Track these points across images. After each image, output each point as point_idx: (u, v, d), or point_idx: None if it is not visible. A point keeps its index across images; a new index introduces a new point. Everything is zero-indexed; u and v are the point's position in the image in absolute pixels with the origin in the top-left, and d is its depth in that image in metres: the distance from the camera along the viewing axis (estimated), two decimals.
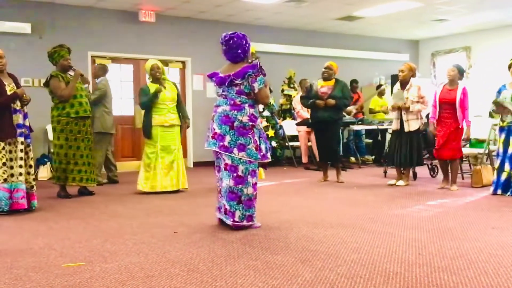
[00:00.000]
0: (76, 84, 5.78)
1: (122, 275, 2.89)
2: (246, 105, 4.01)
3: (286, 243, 3.61)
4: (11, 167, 4.90)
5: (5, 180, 4.84)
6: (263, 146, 4.06)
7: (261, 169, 6.65)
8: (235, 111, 3.98)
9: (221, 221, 4.19)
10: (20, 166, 4.94)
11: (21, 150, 4.95)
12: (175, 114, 6.29)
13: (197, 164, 9.76)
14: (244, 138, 3.97)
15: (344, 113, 9.01)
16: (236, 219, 3.99)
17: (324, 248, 3.46)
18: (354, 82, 10.34)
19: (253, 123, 4.01)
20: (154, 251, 3.43)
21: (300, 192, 6.28)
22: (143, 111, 6.29)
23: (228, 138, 3.96)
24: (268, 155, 4.11)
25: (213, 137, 4.03)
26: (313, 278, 2.79)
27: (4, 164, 4.85)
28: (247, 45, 4.12)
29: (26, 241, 3.79)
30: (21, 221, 4.59)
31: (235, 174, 3.98)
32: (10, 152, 4.90)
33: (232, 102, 4.01)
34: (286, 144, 9.72)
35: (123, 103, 9.48)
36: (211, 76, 4.20)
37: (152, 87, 6.15)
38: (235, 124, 3.97)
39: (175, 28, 9.64)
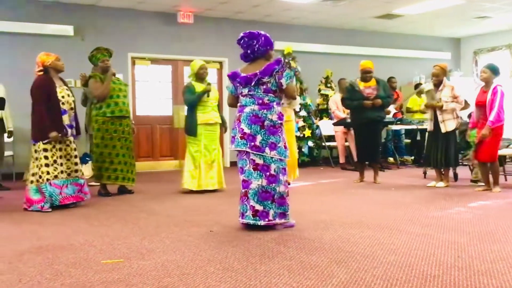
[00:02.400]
0: (109, 84, 5.89)
1: (158, 272, 2.94)
2: (274, 103, 4.00)
3: (321, 243, 3.59)
4: (61, 164, 5.10)
5: (55, 176, 5.05)
6: (287, 145, 4.11)
7: (296, 168, 6.63)
8: (265, 110, 3.94)
9: (246, 226, 4.07)
10: (75, 164, 5.22)
11: (74, 149, 5.24)
12: (217, 112, 6.38)
13: (234, 164, 9.80)
14: (274, 137, 3.96)
15: None
16: (270, 217, 3.97)
17: (360, 249, 3.42)
18: (392, 78, 10.09)
19: (281, 121, 4.02)
20: (190, 249, 3.47)
21: (337, 192, 6.23)
22: (185, 110, 6.39)
23: (259, 137, 3.93)
24: (288, 153, 4.10)
25: (242, 138, 3.97)
26: (348, 280, 2.76)
27: (55, 161, 5.06)
28: (256, 45, 4.01)
29: (67, 237, 3.91)
30: (64, 218, 4.73)
31: (267, 173, 3.94)
32: (60, 150, 5.12)
33: (260, 101, 3.96)
34: (323, 144, 9.66)
35: (161, 104, 9.63)
36: (232, 77, 4.11)
37: (197, 86, 6.23)
38: (266, 123, 3.93)
39: (212, 29, 9.72)
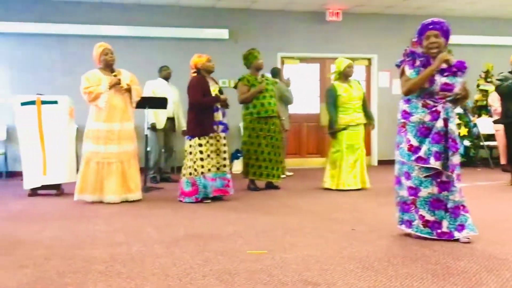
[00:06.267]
0: (254, 95, 6.16)
1: (299, 266, 3.02)
2: (402, 100, 3.70)
3: (471, 249, 3.37)
4: (212, 159, 5.48)
5: (209, 170, 5.43)
6: (424, 148, 3.53)
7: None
8: None
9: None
10: (224, 159, 5.53)
11: (224, 144, 5.54)
12: (361, 113, 6.31)
13: (381, 163, 9.59)
14: (398, 136, 3.69)
15: None
16: (396, 219, 3.77)
17: None
18: None
19: (404, 120, 3.63)
20: (331, 246, 3.50)
21: (494, 196, 5.76)
22: (327, 110, 6.40)
23: None
24: (432, 160, 3.50)
25: None
26: None
27: (208, 156, 5.44)
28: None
29: (217, 227, 4.19)
30: (215, 209, 5.08)
31: (394, 174, 3.76)
32: (212, 145, 5.48)
33: None
34: (481, 143, 8.96)
35: (309, 102, 9.77)
36: None
37: (340, 87, 6.22)
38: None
39: (361, 25, 9.60)
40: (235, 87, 6.41)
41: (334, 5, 9.12)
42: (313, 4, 8.95)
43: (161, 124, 7.29)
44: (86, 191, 5.40)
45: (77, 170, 6.15)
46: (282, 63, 9.53)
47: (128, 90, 5.55)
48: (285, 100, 7.76)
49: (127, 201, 5.45)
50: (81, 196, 5.42)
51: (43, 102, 5.96)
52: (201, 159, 5.41)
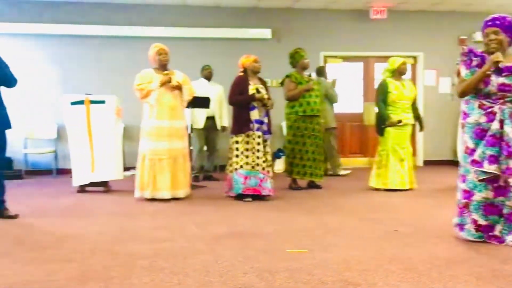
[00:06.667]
0: (302, 92, 6.15)
1: (339, 266, 3.00)
2: (462, 101, 3.56)
3: None
4: (247, 157, 5.51)
5: (241, 166, 5.48)
6: (478, 151, 3.42)
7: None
8: None
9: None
10: (257, 157, 5.53)
11: (258, 143, 5.54)
12: (410, 113, 6.21)
13: (427, 163, 9.38)
14: (462, 138, 3.58)
15: None
16: (453, 223, 3.66)
17: None
18: None
19: (463, 121, 3.54)
20: (372, 246, 3.47)
21: None
22: (376, 105, 6.31)
23: None
24: (485, 164, 3.36)
25: None
26: None
27: (242, 153, 5.51)
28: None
29: (258, 226, 4.22)
30: (256, 207, 5.11)
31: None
32: (247, 143, 5.52)
33: None
34: None
35: (352, 101, 9.67)
36: None
37: (391, 84, 6.13)
38: None
39: (406, 23, 9.42)
40: (282, 84, 6.43)
41: (378, 3, 8.98)
42: (356, 2, 8.84)
43: (199, 124, 7.40)
44: (146, 188, 5.56)
45: (124, 168, 6.36)
46: (325, 62, 9.45)
47: (179, 88, 5.66)
48: (330, 97, 7.73)
49: (175, 198, 5.55)
50: (142, 192, 5.58)
51: (92, 102, 6.14)
52: (236, 156, 5.53)
